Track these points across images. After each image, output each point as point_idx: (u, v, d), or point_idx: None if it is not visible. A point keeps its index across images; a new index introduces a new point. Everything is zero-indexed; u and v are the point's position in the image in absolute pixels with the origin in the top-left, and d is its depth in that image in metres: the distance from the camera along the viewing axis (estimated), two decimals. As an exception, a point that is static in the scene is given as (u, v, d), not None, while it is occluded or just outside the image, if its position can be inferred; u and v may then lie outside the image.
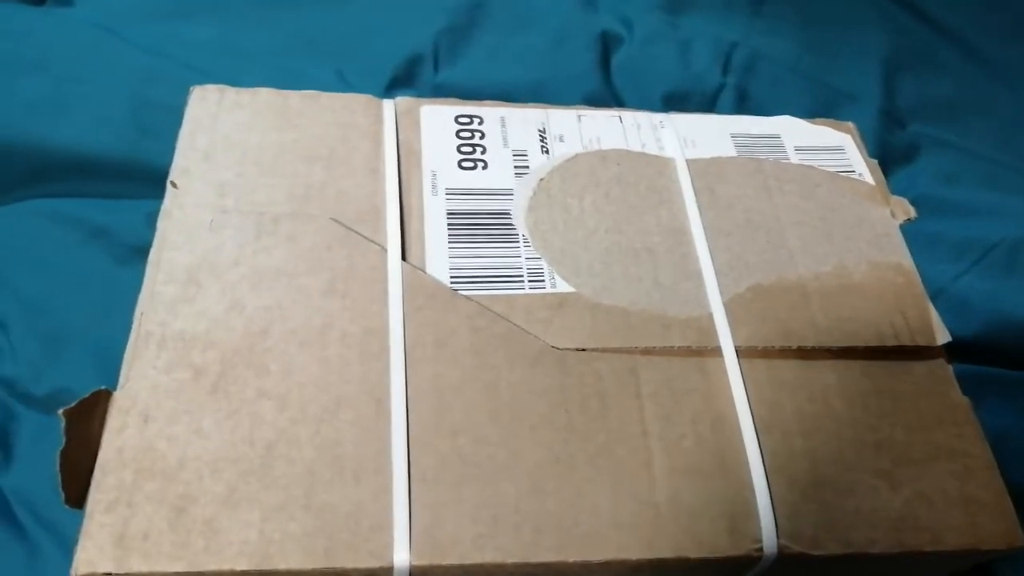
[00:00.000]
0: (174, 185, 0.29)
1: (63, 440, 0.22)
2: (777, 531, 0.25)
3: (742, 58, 0.57)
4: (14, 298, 0.40)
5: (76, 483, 0.23)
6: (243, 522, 0.23)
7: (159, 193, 0.29)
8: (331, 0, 0.55)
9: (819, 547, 0.25)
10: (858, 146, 0.36)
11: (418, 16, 0.55)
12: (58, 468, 0.22)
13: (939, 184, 0.52)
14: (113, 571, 0.21)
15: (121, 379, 0.25)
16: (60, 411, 0.22)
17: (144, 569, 0.22)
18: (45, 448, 0.36)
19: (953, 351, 0.30)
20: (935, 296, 0.31)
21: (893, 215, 0.33)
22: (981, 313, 0.46)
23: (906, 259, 0.32)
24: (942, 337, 0.30)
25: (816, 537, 0.25)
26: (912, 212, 0.33)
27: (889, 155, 0.54)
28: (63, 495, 0.22)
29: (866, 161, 0.35)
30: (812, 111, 0.41)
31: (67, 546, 0.34)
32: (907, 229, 0.33)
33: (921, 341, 0.30)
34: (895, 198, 0.34)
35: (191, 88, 0.32)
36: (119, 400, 0.24)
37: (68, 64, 0.47)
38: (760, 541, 0.25)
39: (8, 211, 0.44)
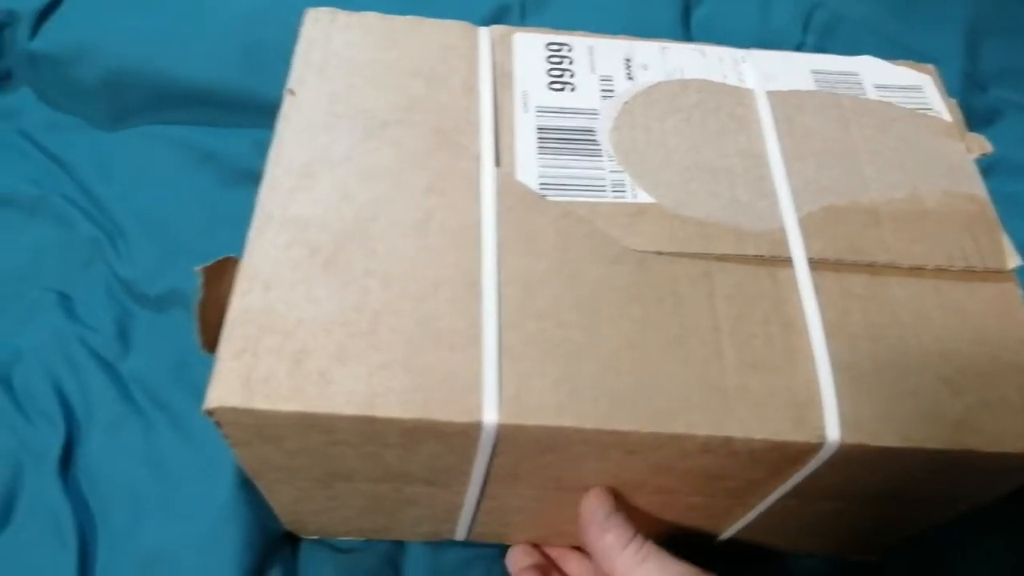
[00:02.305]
0: (292, 92, 0.32)
1: (200, 293, 0.25)
2: (840, 423, 0.27)
3: (823, 18, 0.57)
4: (134, 211, 0.44)
5: (209, 332, 0.26)
6: (351, 375, 0.25)
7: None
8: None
9: (879, 439, 0.26)
10: (938, 87, 0.37)
11: (506, -31, 0.57)
12: (196, 317, 0.25)
13: (1018, 147, 0.52)
14: (239, 406, 0.24)
15: (245, 253, 0.28)
16: (197, 268, 0.25)
17: (265, 407, 0.25)
18: (158, 341, 0.40)
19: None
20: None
21: (969, 150, 0.34)
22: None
23: (980, 189, 0.33)
24: (1012, 261, 0.31)
25: (877, 431, 0.27)
26: (988, 147, 0.34)
27: (969, 117, 0.53)
28: (200, 340, 0.25)
29: (945, 101, 0.36)
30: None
31: (177, 423, 0.37)
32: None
33: (991, 265, 0.31)
34: (971, 134, 0.35)
35: (305, 10, 0.35)
36: (245, 268, 0.27)
37: (186, 2, 0.50)
38: (823, 429, 0.26)
39: (130, 134, 0.48)
